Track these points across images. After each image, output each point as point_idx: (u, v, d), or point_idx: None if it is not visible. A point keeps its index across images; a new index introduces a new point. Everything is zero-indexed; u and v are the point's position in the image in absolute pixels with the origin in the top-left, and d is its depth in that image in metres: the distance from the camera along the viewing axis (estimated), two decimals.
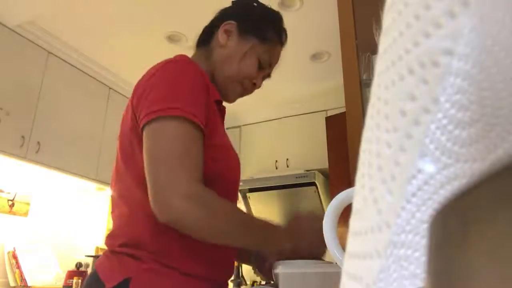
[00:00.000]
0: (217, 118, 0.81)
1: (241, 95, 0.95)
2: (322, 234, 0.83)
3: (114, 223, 0.81)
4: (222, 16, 0.94)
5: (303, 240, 0.77)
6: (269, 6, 0.98)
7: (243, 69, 0.89)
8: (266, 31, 0.91)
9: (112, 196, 0.84)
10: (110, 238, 0.78)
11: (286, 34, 0.96)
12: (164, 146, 0.69)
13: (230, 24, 0.90)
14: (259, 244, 0.76)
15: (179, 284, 0.74)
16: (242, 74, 0.89)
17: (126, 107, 0.83)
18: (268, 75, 0.97)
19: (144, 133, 0.72)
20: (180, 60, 0.80)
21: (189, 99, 0.73)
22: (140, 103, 0.74)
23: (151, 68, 0.80)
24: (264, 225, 0.77)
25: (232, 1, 0.99)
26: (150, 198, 0.68)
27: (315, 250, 0.77)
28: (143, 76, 0.79)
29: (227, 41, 0.89)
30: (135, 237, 0.74)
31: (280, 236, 0.77)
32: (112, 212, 0.82)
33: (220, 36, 0.90)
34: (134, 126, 0.76)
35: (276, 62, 0.96)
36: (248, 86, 0.92)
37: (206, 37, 0.94)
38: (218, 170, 0.79)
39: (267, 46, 0.91)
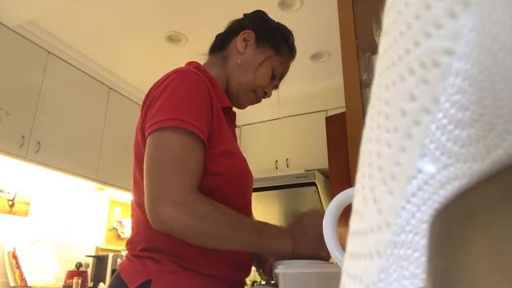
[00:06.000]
0: (223, 125, 0.83)
1: (252, 103, 0.99)
2: None
3: (132, 228, 0.84)
4: (239, 26, 0.97)
5: (305, 238, 0.77)
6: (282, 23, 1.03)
7: (258, 77, 0.93)
8: (281, 44, 0.96)
9: (131, 201, 0.87)
10: (131, 243, 0.81)
11: (296, 50, 1.01)
12: (160, 156, 0.71)
13: (249, 33, 0.94)
14: (257, 245, 0.76)
15: (199, 284, 0.76)
16: (256, 82, 0.93)
17: (139, 116, 0.84)
18: (276, 86, 1.01)
19: (146, 143, 0.75)
20: (183, 70, 0.81)
21: (188, 110, 0.74)
22: (147, 114, 0.77)
23: (159, 79, 0.82)
24: (261, 227, 0.77)
25: (244, 14, 1.02)
26: (145, 206, 0.70)
27: (318, 250, 0.77)
28: (152, 87, 0.82)
29: (245, 49, 0.93)
30: (154, 242, 0.77)
31: (279, 235, 0.77)
32: (131, 216, 0.86)
33: (239, 43, 0.93)
34: (143, 136, 0.79)
35: (285, 74, 1.01)
36: (260, 94, 0.97)
37: (221, 45, 0.97)
38: (225, 176, 0.80)
39: (281, 59, 0.96)
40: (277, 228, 0.79)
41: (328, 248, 0.40)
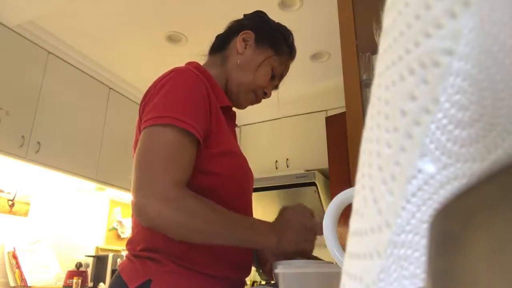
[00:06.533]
0: (222, 125, 0.83)
1: (252, 103, 0.99)
2: (309, 226, 0.83)
3: (132, 228, 0.84)
4: (239, 26, 0.97)
5: (288, 231, 0.77)
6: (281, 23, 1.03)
7: (257, 77, 0.93)
8: (281, 44, 0.96)
9: (131, 201, 0.87)
10: (131, 243, 0.81)
11: (295, 51, 1.01)
12: (150, 151, 0.71)
13: (248, 34, 0.94)
14: (242, 240, 0.75)
15: (199, 284, 0.76)
16: (256, 82, 0.93)
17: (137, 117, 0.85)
18: (276, 86, 1.01)
19: None
20: (181, 69, 0.82)
21: (183, 108, 0.74)
22: (143, 112, 0.78)
23: (157, 78, 0.83)
24: (247, 222, 0.77)
25: (244, 14, 1.02)
26: (132, 200, 0.70)
27: (301, 242, 0.77)
28: (150, 87, 0.82)
29: (244, 49, 0.93)
30: (154, 242, 0.77)
31: (265, 230, 0.76)
32: (132, 216, 0.86)
33: (238, 43, 0.93)
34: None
35: (285, 74, 1.01)
36: (259, 94, 0.97)
37: (221, 45, 0.97)
38: (224, 177, 0.80)
39: (281, 59, 0.96)
40: (263, 222, 0.79)
41: (328, 248, 0.40)
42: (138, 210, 0.68)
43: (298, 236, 0.77)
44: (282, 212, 0.83)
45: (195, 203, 0.71)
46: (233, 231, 0.73)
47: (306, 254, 0.80)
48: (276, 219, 0.82)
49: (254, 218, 0.79)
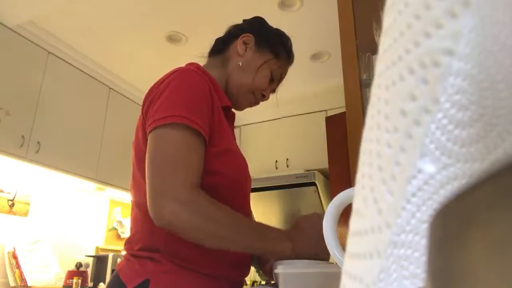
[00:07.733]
0: (223, 124, 0.83)
1: (251, 105, 1.00)
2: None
3: (131, 227, 0.84)
4: (238, 30, 0.99)
5: (304, 240, 0.77)
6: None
7: (257, 79, 0.95)
8: (280, 48, 0.98)
9: (131, 201, 0.87)
10: (129, 243, 0.82)
11: (293, 56, 1.03)
12: (162, 152, 0.72)
13: (249, 37, 0.96)
14: (256, 247, 0.76)
15: (197, 283, 0.76)
16: (256, 84, 0.95)
17: (139, 115, 0.85)
18: (274, 90, 1.03)
19: (147, 140, 0.75)
20: (184, 69, 0.82)
21: (189, 107, 0.75)
22: (148, 112, 0.78)
23: (160, 78, 0.83)
24: (261, 229, 0.78)
25: (244, 20, 1.04)
26: (148, 203, 0.70)
27: (317, 251, 0.77)
28: (153, 86, 0.82)
29: (245, 52, 0.95)
30: (152, 241, 0.77)
31: (279, 238, 0.77)
32: (130, 216, 0.86)
33: (239, 46, 0.95)
34: (144, 134, 0.79)
35: (283, 78, 1.03)
36: (258, 96, 0.98)
37: (220, 47, 0.99)
38: (225, 176, 0.80)
39: (279, 62, 0.98)
40: (277, 230, 0.79)
41: (328, 248, 0.40)
42: (154, 212, 0.69)
43: (314, 246, 0.77)
44: (299, 222, 0.83)
45: (209, 205, 0.71)
46: (246, 238, 0.73)
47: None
48: (291, 227, 0.83)
49: (267, 225, 0.80)
